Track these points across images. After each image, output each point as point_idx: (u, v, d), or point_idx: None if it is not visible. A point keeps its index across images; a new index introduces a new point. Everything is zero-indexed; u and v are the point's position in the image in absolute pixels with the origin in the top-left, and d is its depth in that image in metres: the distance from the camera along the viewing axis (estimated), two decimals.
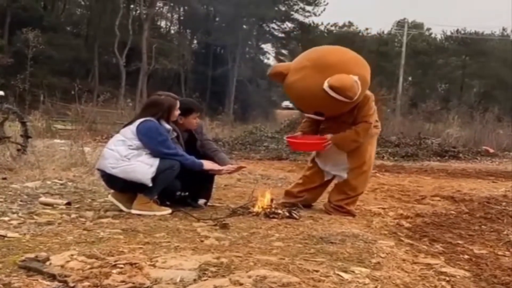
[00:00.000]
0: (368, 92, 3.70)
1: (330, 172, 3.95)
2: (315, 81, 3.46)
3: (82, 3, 38.25)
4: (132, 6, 36.81)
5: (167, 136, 3.46)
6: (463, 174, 8.29)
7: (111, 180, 3.45)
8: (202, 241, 2.66)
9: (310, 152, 4.27)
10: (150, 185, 3.34)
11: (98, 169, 3.58)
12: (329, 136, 3.73)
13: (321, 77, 3.44)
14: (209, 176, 3.83)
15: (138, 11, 35.36)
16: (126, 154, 3.35)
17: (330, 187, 4.09)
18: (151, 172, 3.32)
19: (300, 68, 3.60)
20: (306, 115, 3.92)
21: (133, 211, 3.37)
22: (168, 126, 3.51)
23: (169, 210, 3.45)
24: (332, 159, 3.88)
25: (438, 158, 11.67)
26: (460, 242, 3.06)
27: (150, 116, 3.46)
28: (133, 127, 3.43)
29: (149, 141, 3.39)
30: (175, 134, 3.63)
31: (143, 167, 3.32)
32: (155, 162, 3.35)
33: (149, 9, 33.94)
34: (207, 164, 3.58)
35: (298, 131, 4.05)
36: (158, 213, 3.36)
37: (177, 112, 3.58)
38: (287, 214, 3.48)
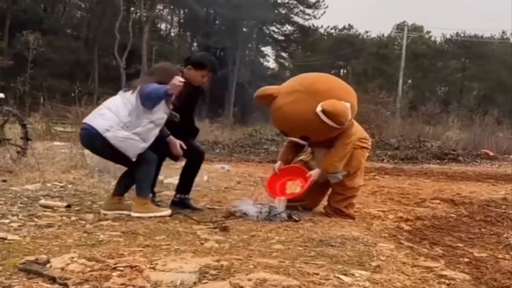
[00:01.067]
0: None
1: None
2: (307, 105, 3.53)
3: (82, 5, 38.23)
4: (132, 8, 36.83)
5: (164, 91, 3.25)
6: (462, 177, 8.31)
7: (97, 143, 3.29)
8: (202, 243, 2.67)
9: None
10: (134, 160, 3.30)
11: (86, 123, 3.37)
12: (312, 172, 3.78)
13: (313, 101, 3.51)
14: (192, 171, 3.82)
15: (138, 14, 35.37)
16: (126, 121, 3.27)
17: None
18: (141, 148, 3.29)
19: (292, 92, 3.66)
20: (290, 139, 3.89)
21: (133, 214, 3.37)
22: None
23: (169, 211, 3.46)
24: None
25: (438, 161, 11.70)
26: (460, 245, 3.05)
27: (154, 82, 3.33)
28: (137, 92, 3.31)
29: (146, 88, 3.25)
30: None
31: (135, 141, 3.26)
32: (149, 137, 3.30)
33: (149, 12, 33.94)
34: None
35: (278, 159, 4.04)
36: (157, 214, 3.36)
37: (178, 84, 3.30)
38: (287, 216, 3.48)
